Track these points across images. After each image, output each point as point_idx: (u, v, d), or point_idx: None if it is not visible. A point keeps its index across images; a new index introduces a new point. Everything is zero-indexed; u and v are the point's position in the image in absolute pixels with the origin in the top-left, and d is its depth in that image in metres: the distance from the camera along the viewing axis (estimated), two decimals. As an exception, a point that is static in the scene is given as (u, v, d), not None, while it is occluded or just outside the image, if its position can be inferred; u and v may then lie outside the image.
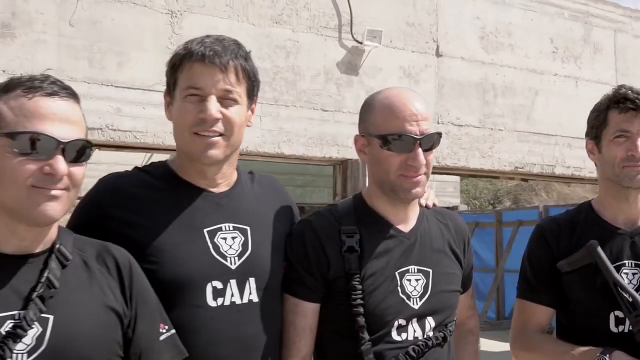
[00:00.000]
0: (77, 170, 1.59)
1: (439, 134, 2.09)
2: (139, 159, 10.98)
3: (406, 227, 2.14)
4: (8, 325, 1.51)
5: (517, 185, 24.80)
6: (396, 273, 2.07)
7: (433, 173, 2.26)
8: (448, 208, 5.71)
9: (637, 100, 2.32)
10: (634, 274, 2.31)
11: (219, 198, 2.02)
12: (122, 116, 4.63)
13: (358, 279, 2.01)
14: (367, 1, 5.57)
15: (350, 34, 5.47)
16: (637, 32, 6.93)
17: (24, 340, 1.51)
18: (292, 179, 11.39)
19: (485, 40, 6.13)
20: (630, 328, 2.23)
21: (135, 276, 1.75)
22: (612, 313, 2.28)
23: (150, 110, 4.66)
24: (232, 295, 1.93)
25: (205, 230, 1.95)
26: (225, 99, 1.92)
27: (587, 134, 2.50)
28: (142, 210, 1.92)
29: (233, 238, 1.98)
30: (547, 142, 6.37)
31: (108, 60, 4.61)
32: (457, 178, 15.49)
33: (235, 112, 1.94)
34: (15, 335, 1.50)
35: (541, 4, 6.43)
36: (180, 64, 1.94)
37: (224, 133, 1.93)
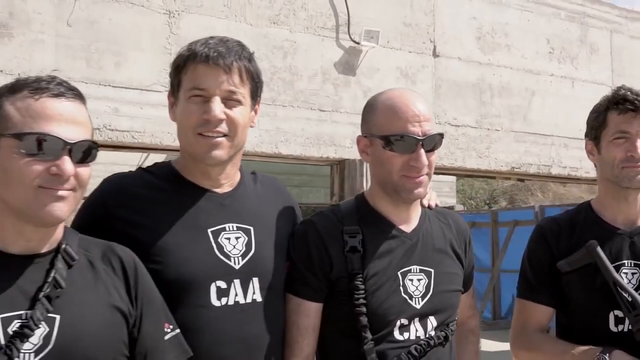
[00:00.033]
0: (83, 170, 1.60)
1: (441, 135, 2.11)
2: (136, 159, 11.00)
3: (408, 227, 2.16)
4: (15, 325, 1.52)
5: (513, 185, 24.86)
6: (398, 273, 2.08)
7: (430, 173, 2.27)
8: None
9: (636, 102, 2.34)
10: (633, 273, 2.33)
11: (222, 198, 2.03)
12: (119, 116, 4.63)
13: (361, 279, 2.02)
14: (364, 2, 5.58)
15: (347, 35, 5.48)
16: (633, 32, 6.95)
17: (31, 339, 1.52)
18: (289, 179, 11.40)
19: (482, 40, 6.15)
20: (630, 327, 2.24)
21: (140, 276, 1.76)
22: (612, 312, 2.30)
23: (147, 111, 4.66)
24: (236, 295, 1.94)
25: (209, 231, 1.96)
26: (229, 100, 1.94)
27: (586, 135, 2.52)
28: (146, 210, 1.93)
29: (237, 238, 1.99)
30: (543, 143, 6.39)
31: (106, 60, 4.61)
32: (453, 178, 15.51)
33: (239, 113, 1.96)
34: (22, 334, 1.51)
35: (538, 5, 6.44)
36: (185, 65, 1.95)
37: (228, 134, 1.94)
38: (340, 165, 5.58)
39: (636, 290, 2.27)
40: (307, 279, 2.07)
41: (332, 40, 5.47)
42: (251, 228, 2.02)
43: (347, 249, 2.05)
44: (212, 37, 1.99)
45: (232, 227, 2.00)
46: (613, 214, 2.43)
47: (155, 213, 1.93)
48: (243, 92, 1.96)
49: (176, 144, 4.48)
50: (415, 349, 2.04)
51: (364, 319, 2.01)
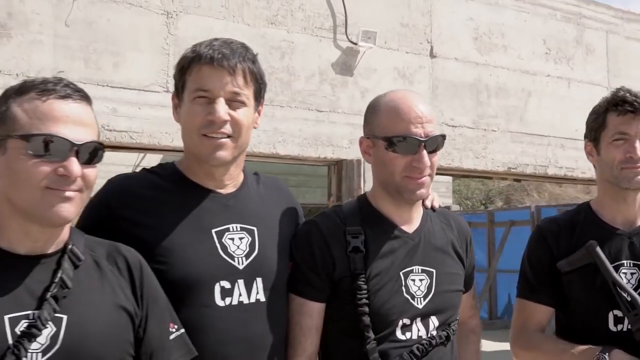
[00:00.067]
0: (90, 171, 1.61)
1: (443, 136, 2.13)
2: (132, 159, 10.98)
3: (410, 227, 2.17)
4: (23, 325, 1.53)
5: (509, 186, 24.92)
6: (400, 273, 2.10)
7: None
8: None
9: (635, 103, 2.36)
10: (632, 273, 2.35)
11: (226, 199, 2.04)
12: (117, 116, 4.62)
13: (363, 279, 2.04)
14: (361, 2, 5.59)
15: (345, 35, 5.49)
16: (628, 33, 6.98)
17: (38, 339, 1.53)
18: (287, 179, 11.39)
19: (478, 41, 6.17)
20: (629, 327, 2.26)
21: (145, 276, 1.77)
22: (611, 312, 2.32)
23: (146, 111, 4.66)
24: (240, 295, 1.95)
25: (213, 231, 1.97)
26: (234, 101, 1.95)
27: (585, 136, 2.53)
28: (150, 210, 1.94)
29: (240, 238, 2.00)
30: (539, 143, 6.41)
31: (104, 61, 4.61)
32: (450, 178, 15.53)
33: (243, 114, 1.97)
34: (30, 334, 1.51)
35: (534, 6, 6.46)
36: (189, 66, 1.96)
37: (232, 135, 1.96)
38: (337, 166, 5.59)
39: (635, 290, 2.28)
40: (310, 279, 2.08)
41: (330, 40, 5.48)
42: (255, 228, 2.04)
43: (350, 249, 2.06)
44: (216, 39, 2.00)
45: (236, 227, 2.01)
46: (612, 215, 2.45)
47: (160, 213, 1.94)
48: (247, 94, 1.98)
49: (174, 144, 4.50)
50: (418, 348, 2.06)
51: (367, 319, 2.02)
